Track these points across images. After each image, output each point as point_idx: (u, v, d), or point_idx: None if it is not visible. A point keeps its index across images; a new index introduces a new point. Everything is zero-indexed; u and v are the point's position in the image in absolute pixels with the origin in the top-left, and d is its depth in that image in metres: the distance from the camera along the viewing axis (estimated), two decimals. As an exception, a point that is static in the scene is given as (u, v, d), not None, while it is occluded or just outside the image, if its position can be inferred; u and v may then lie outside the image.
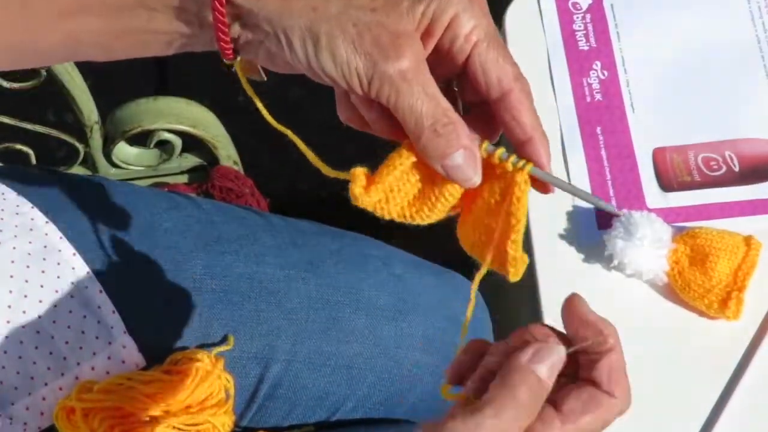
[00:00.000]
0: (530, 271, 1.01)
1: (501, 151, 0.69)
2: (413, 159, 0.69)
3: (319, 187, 1.86)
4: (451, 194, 0.70)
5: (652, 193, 1.04)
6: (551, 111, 1.06)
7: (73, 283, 0.97)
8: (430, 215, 0.71)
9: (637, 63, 1.09)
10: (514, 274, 0.70)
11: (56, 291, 0.96)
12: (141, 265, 1.01)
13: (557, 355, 0.65)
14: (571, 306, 0.68)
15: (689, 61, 1.09)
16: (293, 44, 0.68)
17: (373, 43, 0.66)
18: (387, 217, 0.71)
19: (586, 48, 1.10)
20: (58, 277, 0.96)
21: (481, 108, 0.72)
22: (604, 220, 1.02)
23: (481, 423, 0.62)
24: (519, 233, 0.69)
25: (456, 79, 0.72)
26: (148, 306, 1.00)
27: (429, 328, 1.06)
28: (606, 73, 1.09)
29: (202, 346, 0.99)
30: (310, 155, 0.73)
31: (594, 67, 1.09)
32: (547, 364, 0.65)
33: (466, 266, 1.40)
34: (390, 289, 1.07)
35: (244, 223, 1.08)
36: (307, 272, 1.05)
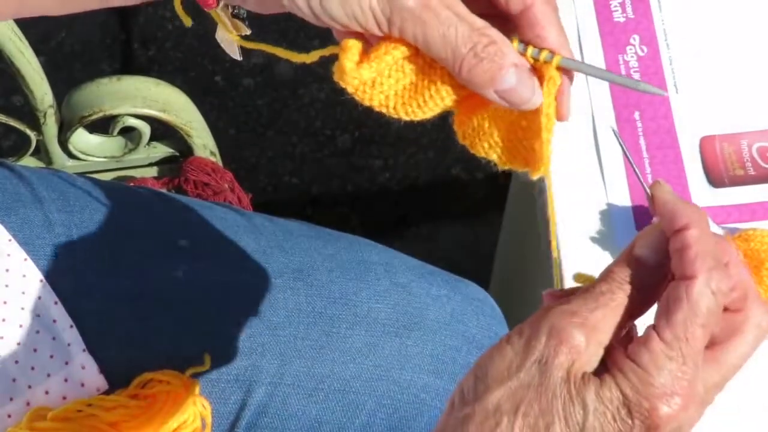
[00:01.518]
0: (558, 281, 1.01)
1: (531, 49, 0.72)
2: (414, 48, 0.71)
3: (310, 181, 1.86)
4: (448, 94, 0.72)
5: (699, 189, 1.04)
6: (581, 93, 1.07)
7: (23, 293, 0.97)
8: (416, 112, 0.73)
9: (681, 37, 1.09)
10: (541, 171, 0.74)
11: (4, 302, 0.96)
12: (102, 272, 1.01)
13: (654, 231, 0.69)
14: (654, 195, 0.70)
15: (743, 34, 1.09)
16: None
17: None
18: (367, 103, 0.73)
19: (622, 19, 1.10)
20: (7, 285, 0.97)
21: (490, 19, 0.73)
22: (643, 219, 1.02)
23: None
24: (551, 131, 0.72)
25: None
26: (111, 320, 1.00)
27: (438, 346, 1.07)
28: (645, 48, 1.09)
29: (174, 367, 0.98)
30: (281, 52, 0.74)
31: (631, 41, 1.09)
32: (647, 241, 0.69)
33: (481, 274, 1.41)
34: (393, 301, 1.07)
35: (222, 223, 1.09)
36: (297, 281, 1.05)
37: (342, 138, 1.90)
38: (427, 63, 0.72)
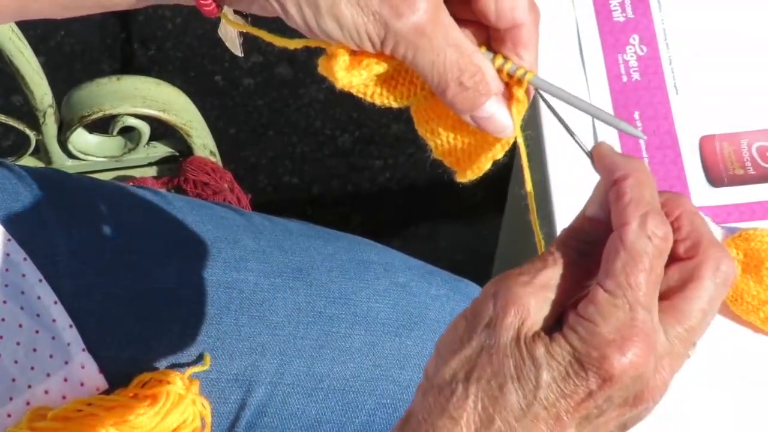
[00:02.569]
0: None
1: (505, 62, 0.72)
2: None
3: (310, 181, 1.86)
4: (423, 91, 0.74)
5: (699, 189, 1.04)
6: (581, 92, 1.07)
7: (23, 292, 0.97)
8: (392, 104, 0.75)
9: (681, 36, 1.09)
10: (466, 178, 0.76)
11: (3, 302, 0.96)
12: (102, 272, 1.02)
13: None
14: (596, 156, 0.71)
15: (743, 34, 1.09)
16: (288, 10, 0.69)
17: (381, 0, 0.68)
18: (346, 89, 0.74)
19: (621, 19, 1.10)
20: (6, 285, 0.97)
21: (470, 26, 0.73)
22: (642, 219, 1.02)
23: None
24: (504, 150, 0.74)
25: None
26: (111, 320, 1.00)
27: (438, 345, 1.07)
28: (645, 48, 1.09)
29: (174, 367, 0.99)
30: (265, 35, 0.75)
31: (631, 41, 1.09)
32: (594, 198, 0.69)
33: (481, 274, 1.42)
34: (393, 301, 1.07)
35: (222, 223, 1.09)
36: (296, 280, 1.06)
37: (342, 138, 1.90)
38: (411, 71, 0.73)
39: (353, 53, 0.72)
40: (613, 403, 0.65)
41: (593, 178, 1.05)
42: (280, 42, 0.74)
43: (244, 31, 0.78)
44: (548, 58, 1.07)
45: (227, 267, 1.05)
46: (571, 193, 1.04)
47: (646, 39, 1.09)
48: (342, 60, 0.71)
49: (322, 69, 0.73)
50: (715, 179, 1.05)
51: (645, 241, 0.65)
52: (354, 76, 0.72)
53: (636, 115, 1.07)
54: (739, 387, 0.97)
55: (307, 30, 0.71)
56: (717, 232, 0.99)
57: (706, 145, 1.06)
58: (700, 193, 1.04)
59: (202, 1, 0.72)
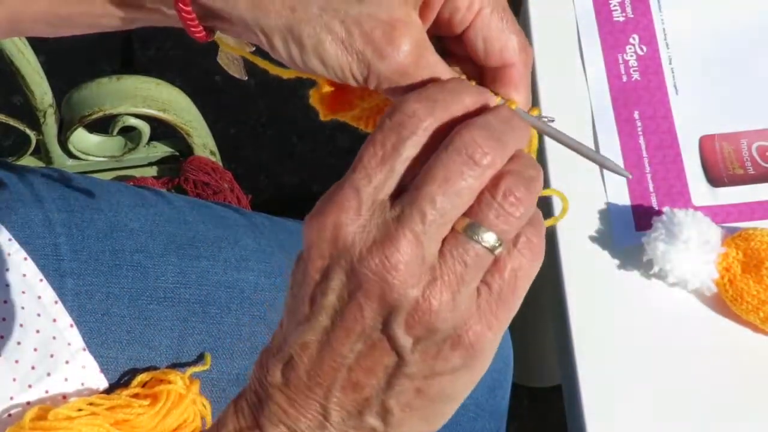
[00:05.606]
0: (556, 279, 1.01)
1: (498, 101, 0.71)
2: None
3: (310, 180, 1.86)
4: None
5: (699, 189, 1.04)
6: (581, 92, 1.07)
7: (23, 292, 0.97)
8: None
9: (681, 36, 1.09)
10: None
11: (4, 301, 0.97)
12: (103, 271, 1.02)
13: None
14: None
15: (743, 34, 1.10)
16: (274, 45, 0.69)
17: (365, 41, 0.67)
18: (340, 118, 0.74)
19: (621, 19, 1.10)
20: (7, 285, 0.97)
21: (460, 63, 0.73)
22: (642, 220, 1.03)
23: None
24: None
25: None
26: (112, 319, 1.00)
27: (438, 345, 1.06)
28: (645, 48, 1.09)
29: (175, 366, 0.99)
30: (260, 62, 0.75)
31: (631, 41, 1.09)
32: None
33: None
34: (393, 300, 1.07)
35: (222, 222, 1.09)
36: (297, 280, 1.06)
37: (342, 137, 1.90)
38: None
39: (342, 86, 0.72)
40: (376, 328, 0.63)
41: (594, 177, 1.05)
42: (274, 70, 0.74)
43: (241, 56, 0.78)
44: (548, 59, 1.07)
45: (228, 266, 1.05)
46: (571, 193, 1.04)
47: (646, 39, 1.09)
48: (330, 96, 0.72)
49: (312, 101, 0.73)
50: (715, 179, 1.05)
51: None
52: (339, 114, 0.73)
53: (636, 115, 1.07)
54: (739, 387, 0.97)
55: (292, 64, 0.70)
56: (717, 232, 0.99)
57: (706, 144, 1.06)
58: (701, 193, 1.04)
59: (192, 26, 0.72)
